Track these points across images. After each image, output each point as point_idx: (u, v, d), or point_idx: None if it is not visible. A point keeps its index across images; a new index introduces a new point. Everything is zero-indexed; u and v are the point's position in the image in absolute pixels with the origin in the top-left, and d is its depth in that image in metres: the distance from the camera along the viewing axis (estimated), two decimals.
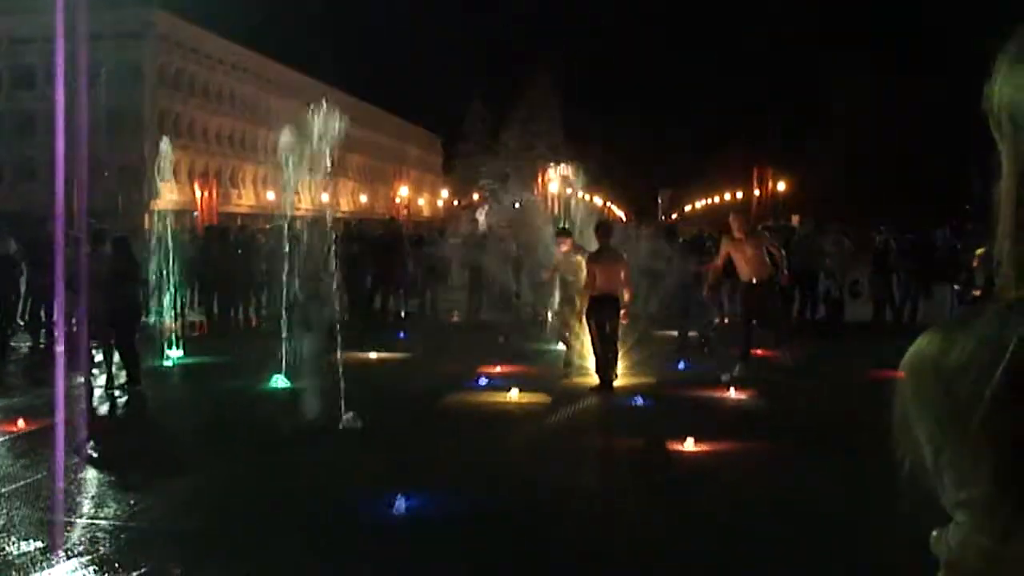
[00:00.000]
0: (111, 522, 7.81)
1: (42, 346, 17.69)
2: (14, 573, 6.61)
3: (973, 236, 18.51)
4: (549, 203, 41.31)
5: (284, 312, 15.20)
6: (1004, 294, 1.10)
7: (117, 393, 13.50)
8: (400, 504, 7.95)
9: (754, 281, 14.68)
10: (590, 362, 14.22)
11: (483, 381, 14.35)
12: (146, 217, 64.69)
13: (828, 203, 51.18)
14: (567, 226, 17.82)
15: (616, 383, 13.87)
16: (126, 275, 13.75)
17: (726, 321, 21.22)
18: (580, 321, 14.59)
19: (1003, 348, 1.01)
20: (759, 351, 15.29)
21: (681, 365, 15.74)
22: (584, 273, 14.42)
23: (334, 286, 14.04)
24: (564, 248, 15.32)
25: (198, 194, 65.38)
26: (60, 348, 14.17)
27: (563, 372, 14.82)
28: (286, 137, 15.61)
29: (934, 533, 1.09)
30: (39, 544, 7.20)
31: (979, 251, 12.55)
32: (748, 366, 14.65)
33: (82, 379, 13.31)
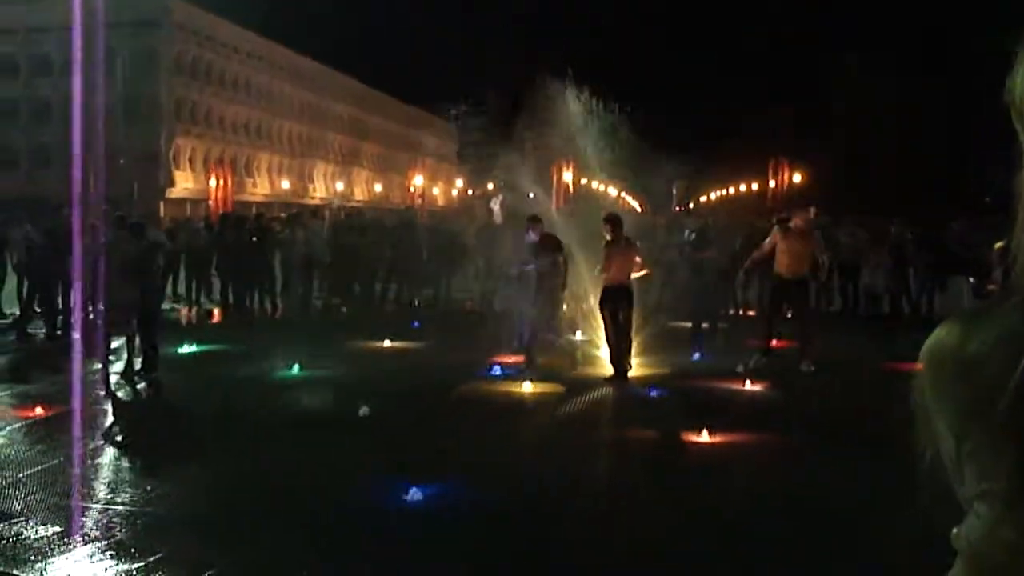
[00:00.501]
0: (127, 508, 7.86)
1: (59, 333, 17.76)
2: (31, 557, 6.66)
3: (991, 229, 18.46)
4: (563, 193, 41.18)
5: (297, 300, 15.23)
6: (1021, 287, 1.11)
7: (135, 380, 13.54)
8: (410, 497, 7.99)
9: (786, 277, 14.63)
10: (604, 352, 14.24)
11: (497, 371, 14.37)
12: (161, 205, 65.00)
13: (832, 198, 51.09)
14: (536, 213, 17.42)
15: (631, 373, 13.88)
16: (143, 262, 13.79)
17: (740, 311, 21.19)
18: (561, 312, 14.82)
19: None
20: (775, 343, 15.26)
21: (696, 356, 15.72)
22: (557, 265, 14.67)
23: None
24: (534, 237, 15.25)
25: (212, 183, 65.50)
26: (77, 335, 14.25)
27: (575, 362, 14.80)
28: None
29: (954, 531, 1.09)
30: (56, 529, 7.25)
31: (998, 245, 12.53)
32: (767, 358, 14.64)
33: (99, 366, 13.38)
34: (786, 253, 14.65)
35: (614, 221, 14.22)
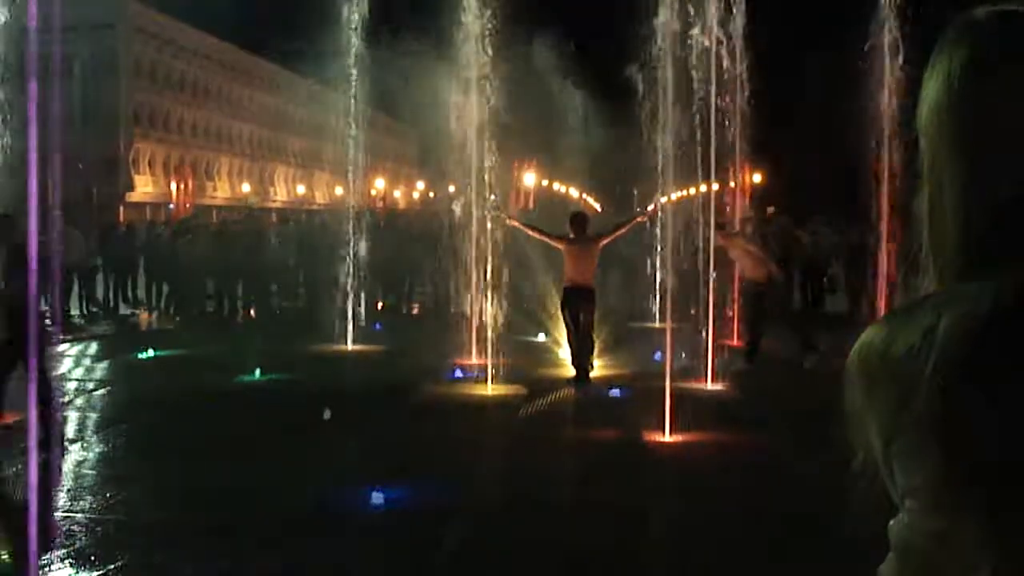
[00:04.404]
0: (87, 515, 7.79)
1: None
2: None
3: None
4: (523, 194, 41.24)
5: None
6: (936, 289, 1.16)
7: (91, 386, 13.40)
8: (373, 498, 7.97)
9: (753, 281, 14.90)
10: (565, 353, 14.25)
11: (459, 373, 14.36)
12: (121, 209, 64.49)
13: (796, 198, 51.26)
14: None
15: (592, 374, 13.89)
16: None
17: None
18: None
19: (937, 337, 1.05)
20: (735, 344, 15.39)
21: (658, 356, 15.76)
22: None
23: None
24: None
25: (174, 187, 65.04)
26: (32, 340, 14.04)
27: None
28: None
29: (890, 523, 1.12)
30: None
31: None
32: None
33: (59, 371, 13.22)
34: (742, 260, 14.95)
35: (575, 219, 14.27)
